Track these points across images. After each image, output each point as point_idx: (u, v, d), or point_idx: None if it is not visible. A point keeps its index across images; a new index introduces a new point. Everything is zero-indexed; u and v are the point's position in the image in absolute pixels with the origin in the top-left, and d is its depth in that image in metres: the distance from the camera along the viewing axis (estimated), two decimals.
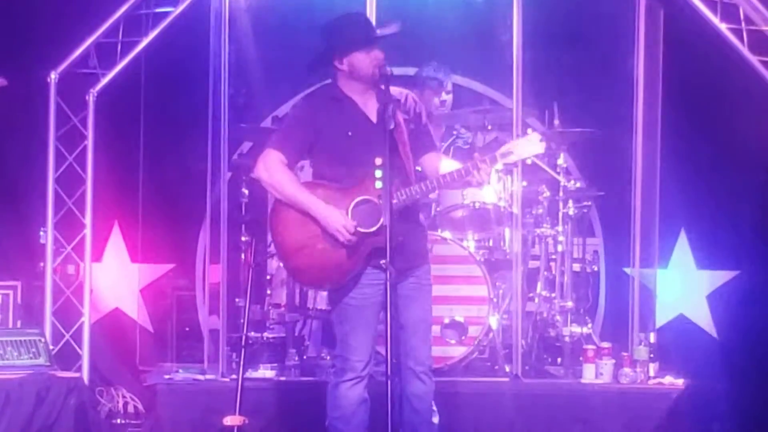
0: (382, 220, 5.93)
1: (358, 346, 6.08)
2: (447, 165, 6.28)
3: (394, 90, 6.22)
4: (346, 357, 6.10)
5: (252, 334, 7.83)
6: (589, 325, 8.27)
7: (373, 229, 5.97)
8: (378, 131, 6.03)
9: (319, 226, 6.04)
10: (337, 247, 6.03)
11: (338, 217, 6.00)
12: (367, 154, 6.02)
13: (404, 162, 6.11)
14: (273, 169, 6.12)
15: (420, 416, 6.13)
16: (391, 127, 6.05)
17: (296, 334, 8.26)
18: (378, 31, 6.25)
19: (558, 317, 8.14)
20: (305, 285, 6.41)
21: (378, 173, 5.99)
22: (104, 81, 7.92)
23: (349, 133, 6.10)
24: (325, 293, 7.68)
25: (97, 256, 8.52)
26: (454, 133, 8.47)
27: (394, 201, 5.99)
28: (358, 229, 5.98)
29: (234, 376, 7.24)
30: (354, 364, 6.07)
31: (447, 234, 7.89)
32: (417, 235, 6.25)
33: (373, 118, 6.15)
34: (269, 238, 8.57)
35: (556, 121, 8.21)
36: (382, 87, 6.09)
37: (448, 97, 8.48)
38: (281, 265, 6.27)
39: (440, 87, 8.39)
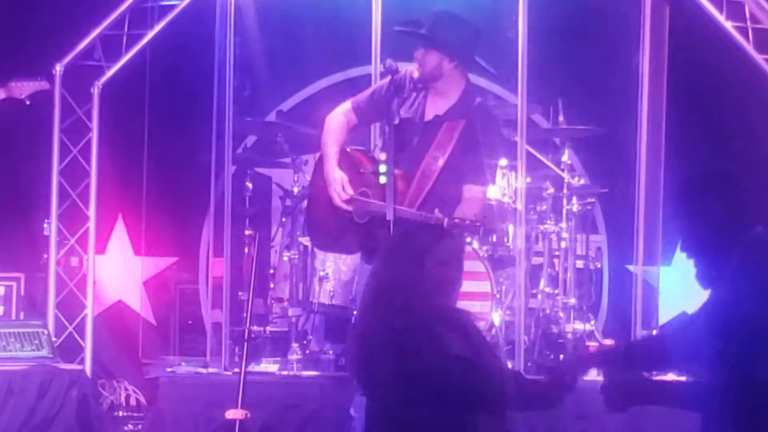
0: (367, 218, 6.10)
1: None
2: (467, 197, 6.34)
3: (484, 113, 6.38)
4: None
5: (255, 327, 7.83)
6: (592, 322, 8.27)
7: (362, 221, 6.10)
8: (424, 129, 6.12)
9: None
10: (339, 214, 6.25)
11: (339, 182, 6.17)
12: (405, 146, 6.12)
13: (415, 173, 6.19)
14: (334, 115, 6.49)
15: None
16: (396, 122, 6.09)
17: (299, 328, 8.25)
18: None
19: (561, 314, 8.14)
20: (310, 235, 6.62)
21: (382, 168, 6.03)
22: (109, 74, 7.92)
23: (395, 122, 6.17)
24: (329, 288, 7.73)
25: (101, 249, 8.52)
26: None
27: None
28: (354, 216, 6.12)
29: (236, 370, 7.23)
30: None
31: None
32: None
33: (429, 115, 6.22)
34: (273, 230, 8.67)
35: (561, 118, 8.21)
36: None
37: None
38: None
39: None
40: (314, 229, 6.74)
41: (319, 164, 6.58)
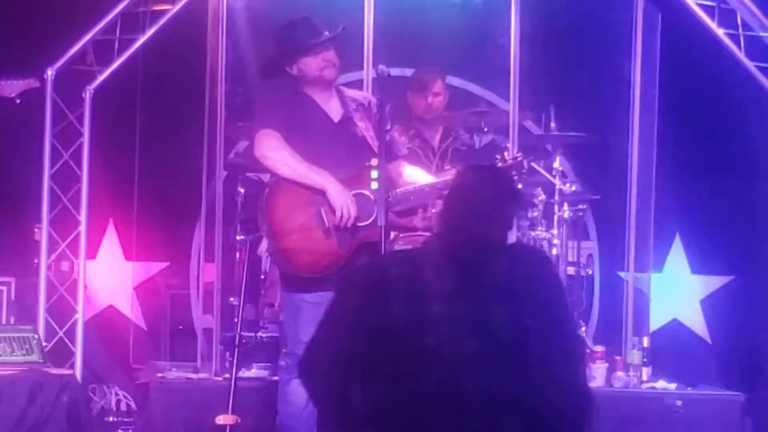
0: (374, 215, 6.01)
1: None
2: (410, 171, 6.36)
3: (357, 94, 6.34)
4: (297, 354, 6.08)
5: (245, 333, 7.82)
6: (583, 329, 8.26)
7: (367, 222, 6.02)
8: (340, 130, 6.10)
9: (314, 211, 6.07)
10: (329, 234, 6.06)
11: (347, 195, 6.02)
12: (332, 152, 6.07)
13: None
14: (278, 146, 6.12)
15: None
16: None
17: None
18: (326, 33, 6.33)
19: None
20: (294, 268, 6.32)
21: (374, 174, 6.03)
22: (101, 78, 7.91)
23: (312, 131, 6.14)
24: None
25: (92, 254, 8.51)
26: (452, 134, 8.44)
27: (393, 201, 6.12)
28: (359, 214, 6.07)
29: (227, 375, 7.23)
30: None
31: None
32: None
33: (335, 117, 6.21)
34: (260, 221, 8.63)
35: (553, 124, 8.21)
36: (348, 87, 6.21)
37: (435, 100, 8.31)
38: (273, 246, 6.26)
39: (424, 89, 8.25)
40: (303, 263, 6.25)
41: (276, 194, 6.20)
